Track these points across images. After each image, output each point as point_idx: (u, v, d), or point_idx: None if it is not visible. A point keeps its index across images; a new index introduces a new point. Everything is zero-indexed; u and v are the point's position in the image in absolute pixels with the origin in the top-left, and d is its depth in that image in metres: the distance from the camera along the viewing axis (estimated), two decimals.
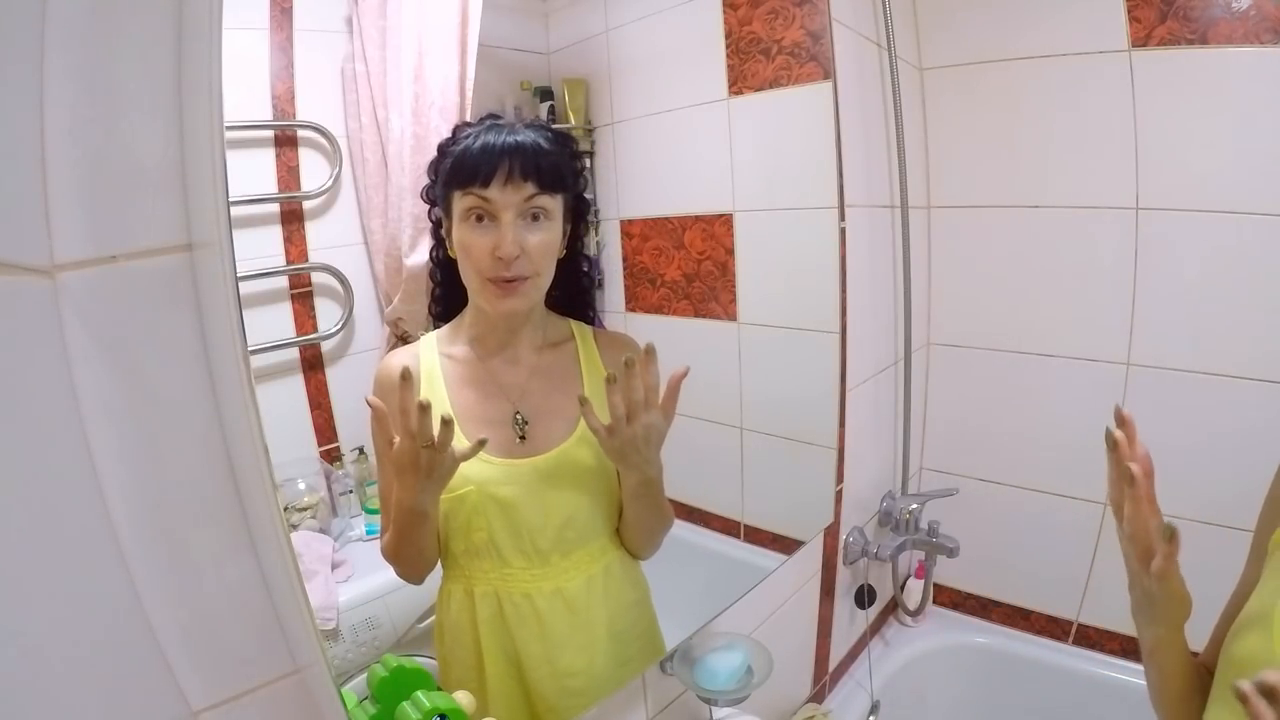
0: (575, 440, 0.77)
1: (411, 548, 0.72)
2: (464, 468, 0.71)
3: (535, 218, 0.70)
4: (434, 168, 0.71)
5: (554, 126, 0.74)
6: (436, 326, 0.79)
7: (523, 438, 0.76)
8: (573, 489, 0.77)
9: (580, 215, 0.78)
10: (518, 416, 0.76)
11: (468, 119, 0.76)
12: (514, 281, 0.70)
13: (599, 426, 0.70)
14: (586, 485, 0.78)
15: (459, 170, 0.68)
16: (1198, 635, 0.67)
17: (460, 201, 0.68)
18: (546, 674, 0.77)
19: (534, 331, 0.79)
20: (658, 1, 1.07)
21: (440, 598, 0.78)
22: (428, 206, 0.73)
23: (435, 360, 0.76)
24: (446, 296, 0.78)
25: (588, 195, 0.78)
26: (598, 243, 1.08)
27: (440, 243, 0.74)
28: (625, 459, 0.73)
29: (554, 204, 0.71)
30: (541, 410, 0.78)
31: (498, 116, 0.72)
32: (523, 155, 0.67)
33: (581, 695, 0.80)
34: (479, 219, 0.68)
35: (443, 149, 0.70)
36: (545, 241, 0.71)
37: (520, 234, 0.68)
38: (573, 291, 0.83)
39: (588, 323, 0.85)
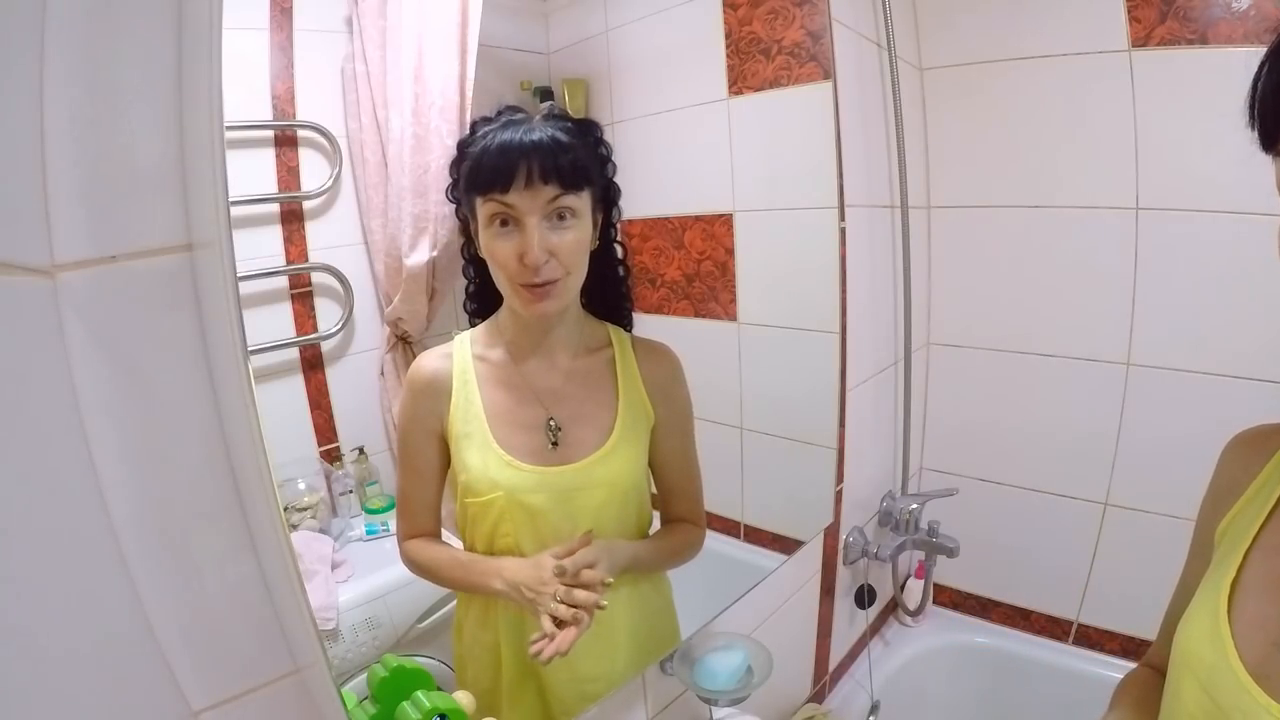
0: (608, 450, 0.75)
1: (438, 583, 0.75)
2: (493, 473, 0.71)
3: (561, 217, 0.67)
4: (455, 167, 0.70)
5: (575, 117, 0.71)
6: (473, 323, 0.79)
7: (555, 444, 0.75)
8: (603, 499, 0.75)
9: (611, 203, 0.75)
10: (551, 423, 0.75)
11: (469, 118, 0.75)
12: (544, 285, 0.68)
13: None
14: (617, 496, 0.76)
15: (477, 174, 0.66)
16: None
17: (483, 207, 0.67)
18: (565, 678, 0.77)
19: (570, 335, 0.77)
20: (658, 1, 1.06)
21: (461, 596, 0.78)
22: (454, 205, 0.72)
23: (469, 362, 0.75)
24: (480, 293, 0.76)
25: (617, 181, 0.75)
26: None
27: (470, 241, 0.72)
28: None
29: (580, 201, 0.68)
30: (575, 417, 0.76)
31: (516, 109, 0.69)
32: (541, 155, 0.64)
33: (598, 699, 0.80)
34: (503, 224, 0.66)
35: (462, 147, 0.69)
36: (574, 241, 0.68)
37: (546, 237, 0.66)
38: (606, 287, 0.80)
39: (625, 326, 0.83)
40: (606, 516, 0.76)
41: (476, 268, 0.74)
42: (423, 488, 0.75)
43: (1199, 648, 0.49)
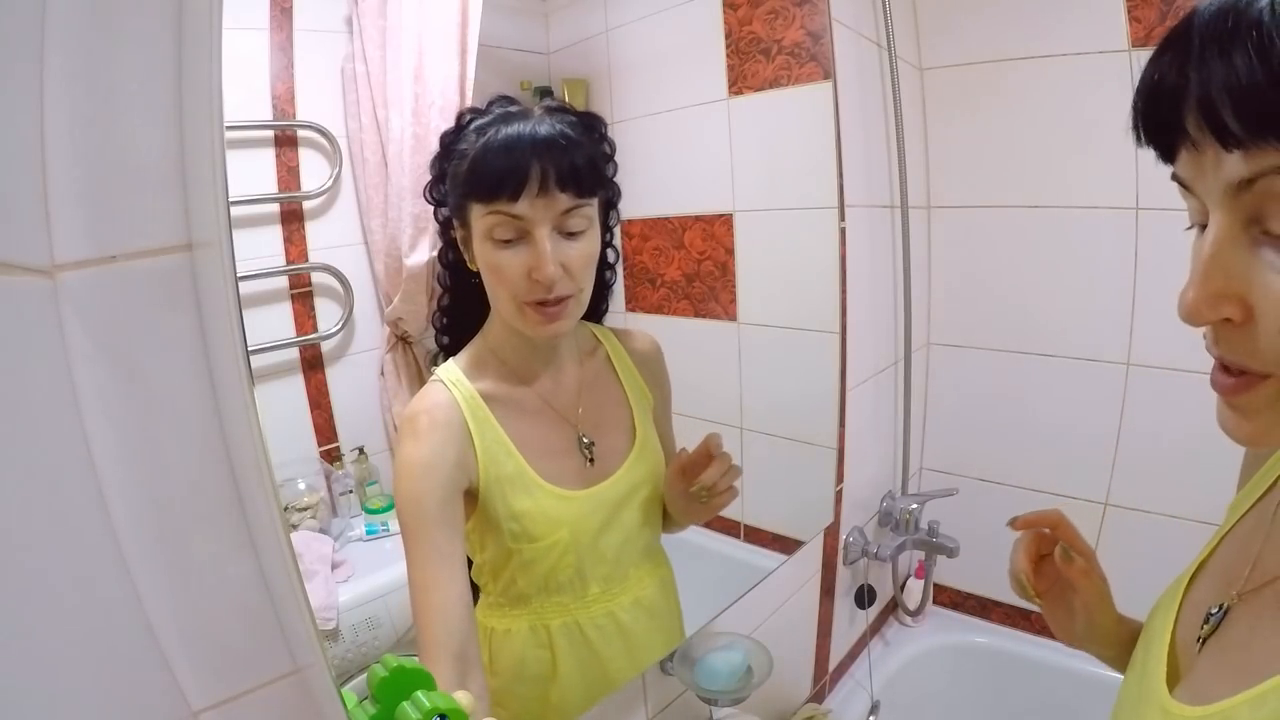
0: (639, 448, 0.74)
1: None
2: (550, 512, 0.65)
3: (573, 228, 0.60)
4: (439, 164, 0.64)
5: (578, 110, 0.62)
6: (440, 340, 0.72)
7: (591, 460, 0.71)
8: (646, 497, 0.74)
9: (611, 204, 0.70)
10: (583, 440, 0.71)
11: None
12: (557, 303, 0.61)
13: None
14: (656, 489, 0.75)
15: (478, 179, 0.57)
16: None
17: (483, 219, 0.58)
18: (630, 674, 0.78)
19: (570, 345, 0.74)
20: (658, 1, 1.06)
21: (495, 638, 0.71)
22: (432, 205, 0.68)
23: (474, 398, 0.65)
24: (454, 305, 0.71)
25: (616, 180, 0.69)
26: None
27: (450, 244, 0.66)
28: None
29: (592, 209, 0.62)
30: (600, 427, 0.73)
31: (510, 100, 0.62)
32: (554, 158, 0.56)
33: (599, 700, 0.80)
34: (508, 237, 0.58)
35: (448, 144, 0.62)
36: (586, 253, 0.61)
37: (559, 250, 0.58)
38: (598, 290, 0.74)
39: (599, 320, 0.81)
40: (651, 512, 0.75)
41: (455, 275, 0.66)
42: (450, 576, 0.58)
43: (1152, 619, 0.50)
